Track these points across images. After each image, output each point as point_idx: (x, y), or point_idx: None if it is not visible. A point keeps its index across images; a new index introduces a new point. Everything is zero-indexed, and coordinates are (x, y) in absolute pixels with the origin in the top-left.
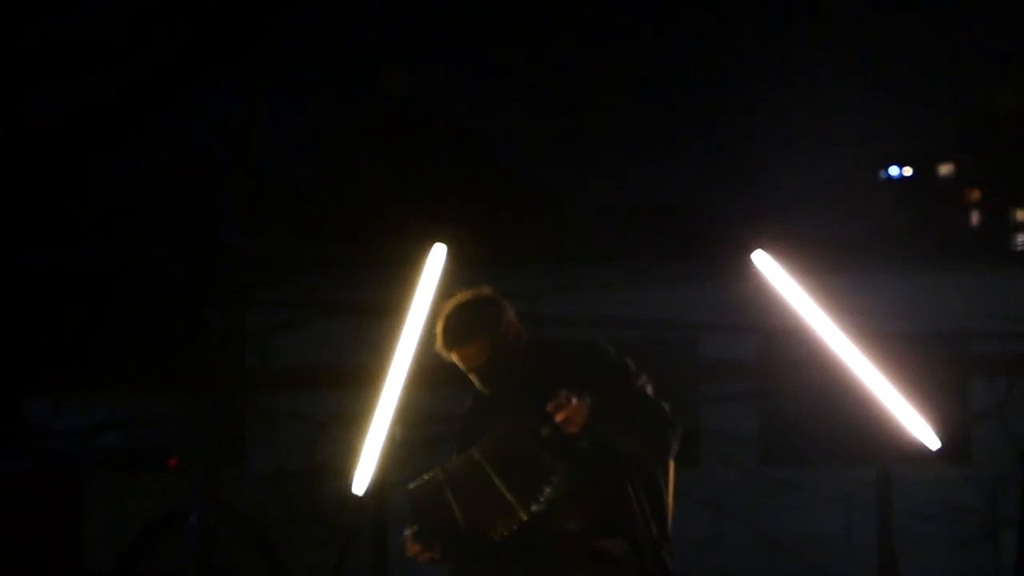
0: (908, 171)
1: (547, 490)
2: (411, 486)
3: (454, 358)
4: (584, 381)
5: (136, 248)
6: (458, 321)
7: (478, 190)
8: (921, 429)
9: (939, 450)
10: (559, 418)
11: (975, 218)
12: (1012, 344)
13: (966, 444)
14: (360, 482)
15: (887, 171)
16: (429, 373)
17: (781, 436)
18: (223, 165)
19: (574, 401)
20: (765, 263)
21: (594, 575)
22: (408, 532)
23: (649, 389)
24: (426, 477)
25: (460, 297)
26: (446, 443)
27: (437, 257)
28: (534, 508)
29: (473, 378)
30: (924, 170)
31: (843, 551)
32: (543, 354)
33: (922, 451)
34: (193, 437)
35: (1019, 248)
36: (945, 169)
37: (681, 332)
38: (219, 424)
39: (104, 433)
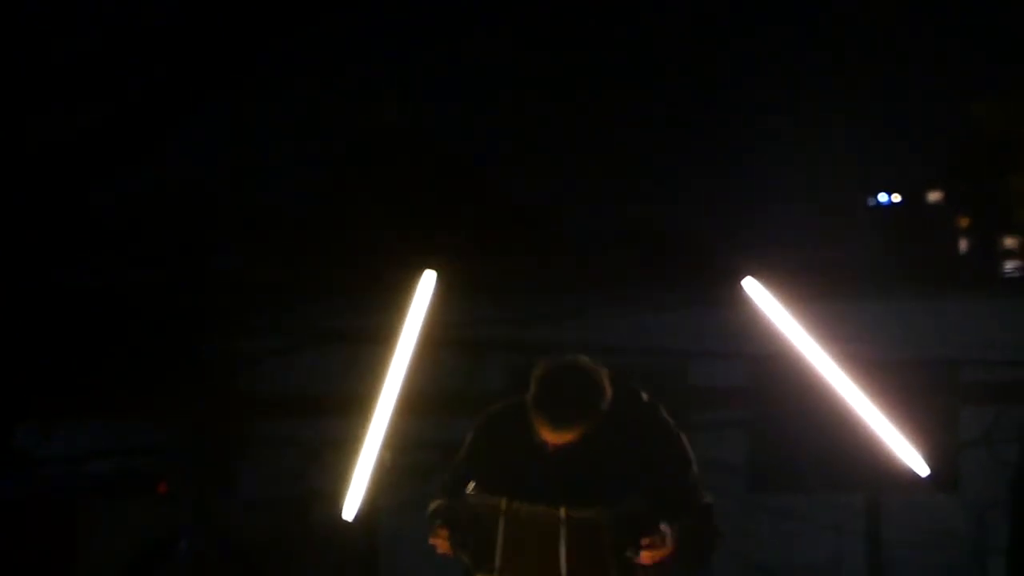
0: (897, 198)
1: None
2: (470, 494)
3: (544, 431)
4: (637, 445)
5: (129, 274)
6: (565, 401)
7: (469, 217)
8: (910, 456)
9: (928, 476)
10: (646, 557)
11: (964, 245)
12: (1000, 372)
13: (954, 471)
14: (350, 508)
15: (876, 198)
16: (419, 400)
17: (771, 463)
18: (217, 192)
19: (668, 543)
20: (755, 290)
21: None
22: (440, 528)
23: (694, 472)
24: (489, 497)
25: (569, 365)
26: (437, 469)
27: (427, 284)
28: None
29: (546, 438)
30: (913, 197)
31: None
32: (607, 417)
33: (911, 477)
34: (184, 463)
35: (1008, 275)
36: (934, 196)
37: (672, 359)
38: (210, 450)
39: (94, 460)
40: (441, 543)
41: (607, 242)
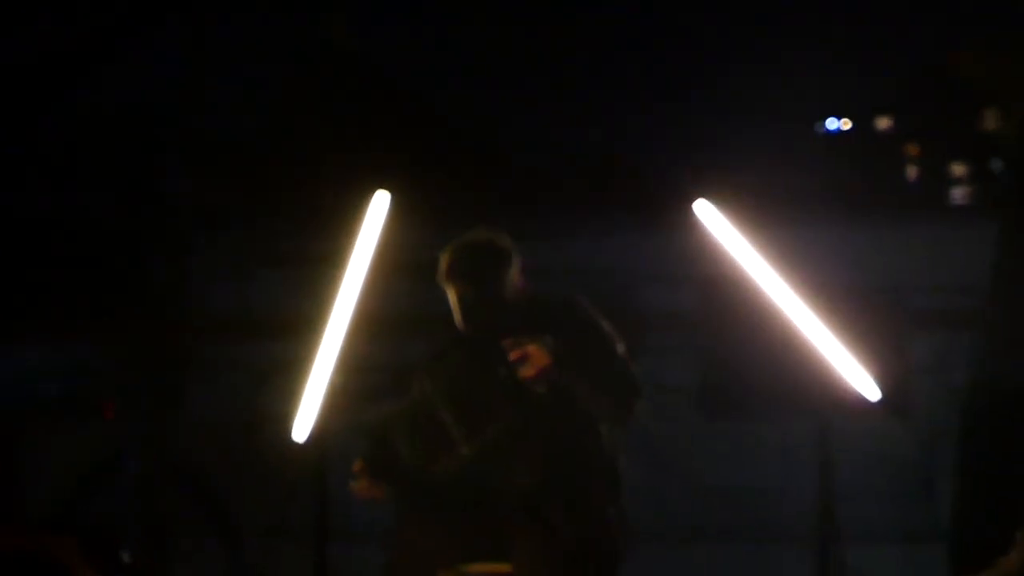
0: (846, 124)
1: (491, 429)
2: (365, 419)
3: (451, 290)
4: (553, 331)
5: (76, 196)
6: (471, 259)
7: (421, 140)
8: (861, 380)
9: (879, 402)
10: (513, 356)
11: (913, 173)
12: (951, 299)
13: (905, 398)
14: (301, 430)
15: (826, 124)
16: (370, 322)
17: (721, 388)
18: (165, 114)
19: (533, 345)
20: (707, 213)
21: (533, 544)
22: (356, 466)
23: (620, 350)
24: (381, 413)
25: (478, 235)
26: (388, 393)
27: (380, 205)
28: (477, 447)
29: (458, 312)
30: (862, 124)
31: (781, 503)
32: (524, 304)
33: (862, 402)
34: (131, 386)
35: (957, 203)
36: (883, 123)
37: (621, 282)
38: (157, 373)
39: (40, 382)
40: (362, 485)
41: (557, 166)
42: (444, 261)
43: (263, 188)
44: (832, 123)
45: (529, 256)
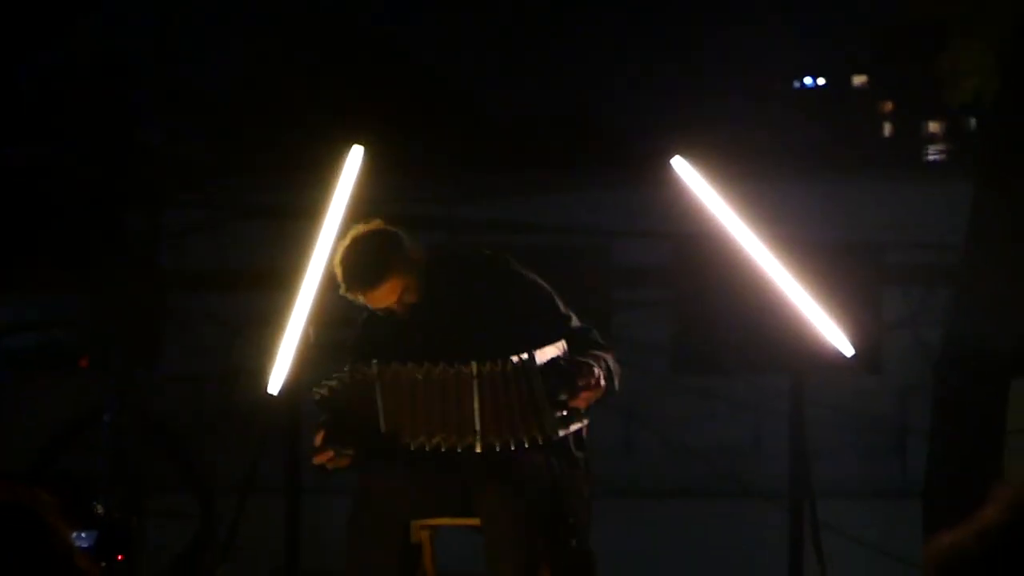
0: (821, 81)
1: (511, 444)
2: (333, 382)
3: (360, 299)
4: (506, 302)
5: (51, 148)
6: (362, 263)
7: (397, 94)
8: (835, 336)
9: (852, 357)
10: (581, 398)
11: (888, 129)
12: (925, 255)
13: (878, 354)
14: (275, 383)
15: (802, 81)
16: None
17: (694, 344)
18: (140, 66)
19: (603, 383)
20: (682, 169)
21: (500, 499)
22: (318, 438)
23: (562, 307)
24: (356, 369)
25: (355, 234)
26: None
27: (355, 159)
28: (488, 448)
29: (383, 312)
30: (838, 81)
31: (754, 459)
32: (449, 267)
33: (835, 358)
34: (106, 338)
35: (931, 159)
36: (859, 80)
37: (596, 237)
38: (133, 325)
39: (15, 333)
40: (323, 455)
41: (533, 122)
42: (339, 274)
43: (238, 142)
44: (808, 80)
45: (504, 212)
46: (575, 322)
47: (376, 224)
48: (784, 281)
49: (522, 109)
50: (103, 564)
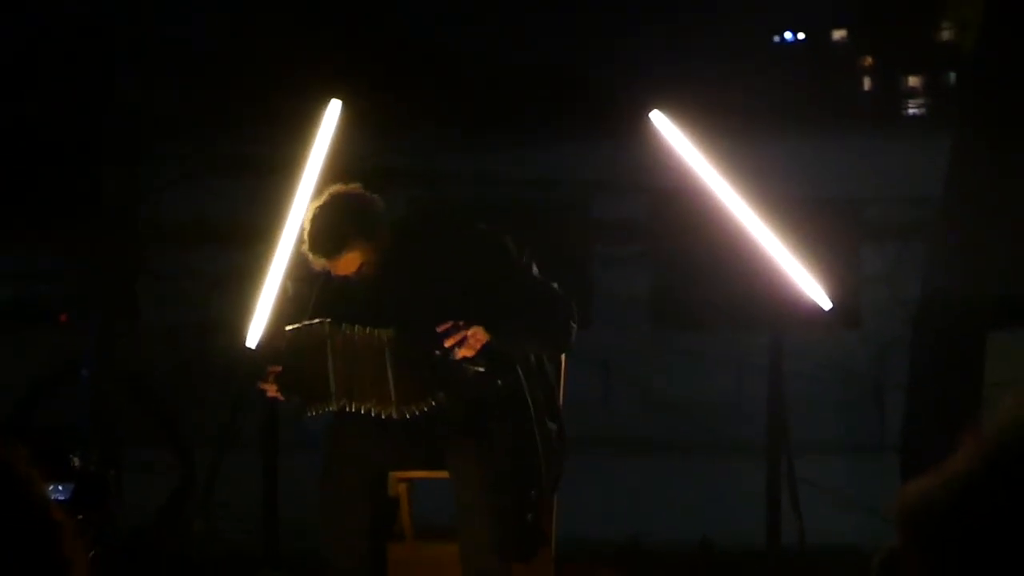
0: (801, 36)
1: (425, 406)
2: (291, 328)
3: (323, 264)
4: (466, 272)
5: (28, 103)
6: (328, 227)
7: (375, 48)
8: (813, 291)
9: (830, 312)
10: (449, 343)
11: (867, 84)
12: (903, 210)
13: (856, 308)
14: (252, 337)
15: (781, 36)
16: None
17: (674, 299)
18: (117, 18)
19: (470, 331)
20: (661, 123)
21: (467, 449)
22: (271, 370)
23: (535, 270)
24: (312, 323)
25: (327, 198)
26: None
27: (333, 114)
28: (407, 415)
29: (341, 277)
30: (817, 36)
31: (733, 414)
32: (413, 235)
33: (814, 314)
34: (84, 292)
35: (911, 114)
36: (838, 35)
37: (575, 192)
38: (111, 280)
39: None
40: (270, 387)
41: (513, 76)
42: (306, 236)
43: (216, 96)
44: (788, 35)
45: (483, 166)
46: (533, 276)
47: (353, 188)
48: (763, 236)
49: (501, 63)
50: (80, 517)
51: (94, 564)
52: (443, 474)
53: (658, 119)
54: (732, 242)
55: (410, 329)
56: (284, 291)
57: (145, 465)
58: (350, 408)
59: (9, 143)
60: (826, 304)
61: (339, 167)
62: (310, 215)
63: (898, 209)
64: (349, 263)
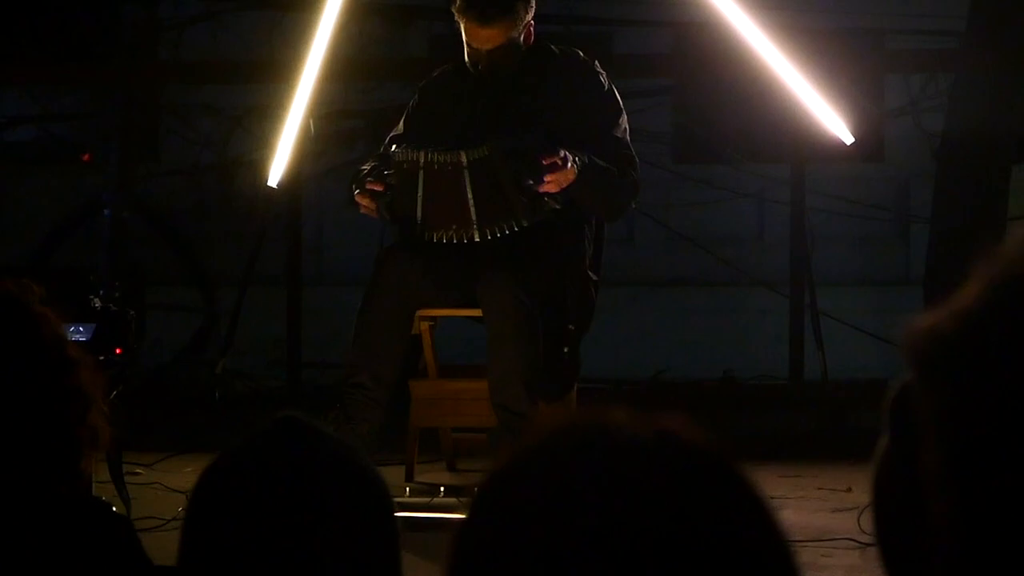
0: None
1: (506, 228)
2: (396, 152)
3: (465, 29)
4: (582, 108)
5: None
6: None
7: None
8: (835, 124)
9: (853, 145)
10: (548, 179)
11: None
12: (927, 41)
13: (879, 141)
14: (275, 174)
15: None
16: (343, 66)
17: (696, 133)
18: None
19: (569, 165)
20: None
21: (502, 279)
22: (371, 185)
23: (627, 130)
24: (411, 155)
25: None
26: (360, 136)
27: None
28: (488, 236)
29: (470, 54)
30: None
31: (756, 248)
32: (540, 53)
33: (836, 145)
34: (106, 132)
35: None
36: None
37: (597, 26)
38: (132, 119)
39: (15, 127)
40: (367, 202)
41: None
42: (459, 3)
43: None
44: None
45: None
46: (620, 138)
47: None
48: (785, 69)
49: None
50: (100, 357)
51: (116, 403)
52: (475, 311)
53: None
54: (754, 76)
55: (513, 149)
56: (306, 129)
57: (168, 304)
58: (432, 238)
59: None
60: (848, 138)
61: (359, 2)
62: None
63: (922, 39)
64: (495, 36)
